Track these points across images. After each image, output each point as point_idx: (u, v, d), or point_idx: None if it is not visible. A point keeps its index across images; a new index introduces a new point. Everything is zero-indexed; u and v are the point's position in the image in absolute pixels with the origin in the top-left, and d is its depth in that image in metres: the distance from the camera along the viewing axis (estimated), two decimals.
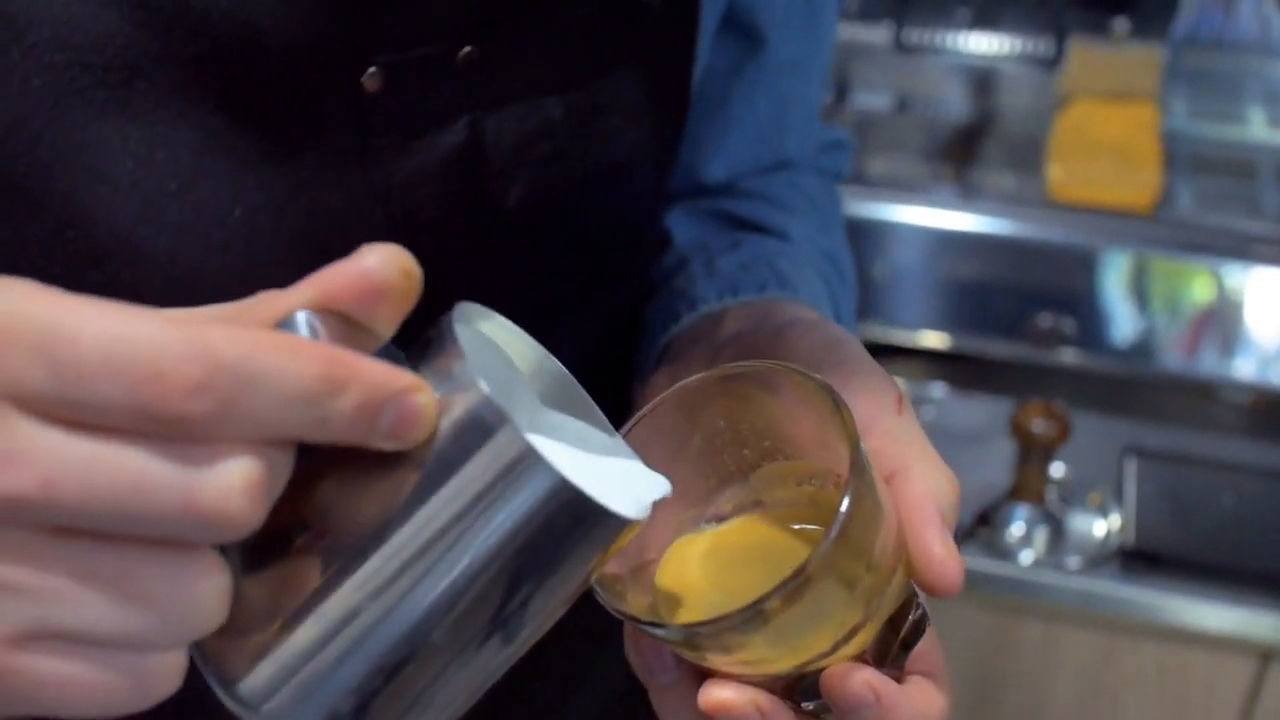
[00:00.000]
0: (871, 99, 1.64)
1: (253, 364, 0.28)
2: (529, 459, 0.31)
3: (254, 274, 0.44)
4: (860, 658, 0.39)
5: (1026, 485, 1.29)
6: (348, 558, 0.32)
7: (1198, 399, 1.50)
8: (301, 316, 0.31)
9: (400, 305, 0.32)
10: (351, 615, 0.32)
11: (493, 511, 0.32)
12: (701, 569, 0.41)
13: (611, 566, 0.39)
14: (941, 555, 0.38)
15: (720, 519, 0.43)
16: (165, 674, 0.30)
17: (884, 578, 0.38)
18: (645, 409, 0.41)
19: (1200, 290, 1.33)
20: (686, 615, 0.40)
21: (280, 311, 0.31)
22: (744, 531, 0.43)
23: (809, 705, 0.40)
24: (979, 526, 1.31)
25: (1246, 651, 1.28)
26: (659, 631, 0.37)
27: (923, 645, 0.40)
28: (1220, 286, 1.33)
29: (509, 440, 0.31)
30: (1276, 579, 1.26)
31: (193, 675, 0.32)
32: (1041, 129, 1.54)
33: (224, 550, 0.31)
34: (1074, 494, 1.35)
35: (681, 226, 0.64)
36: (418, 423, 0.31)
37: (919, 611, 0.40)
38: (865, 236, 1.36)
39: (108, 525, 0.28)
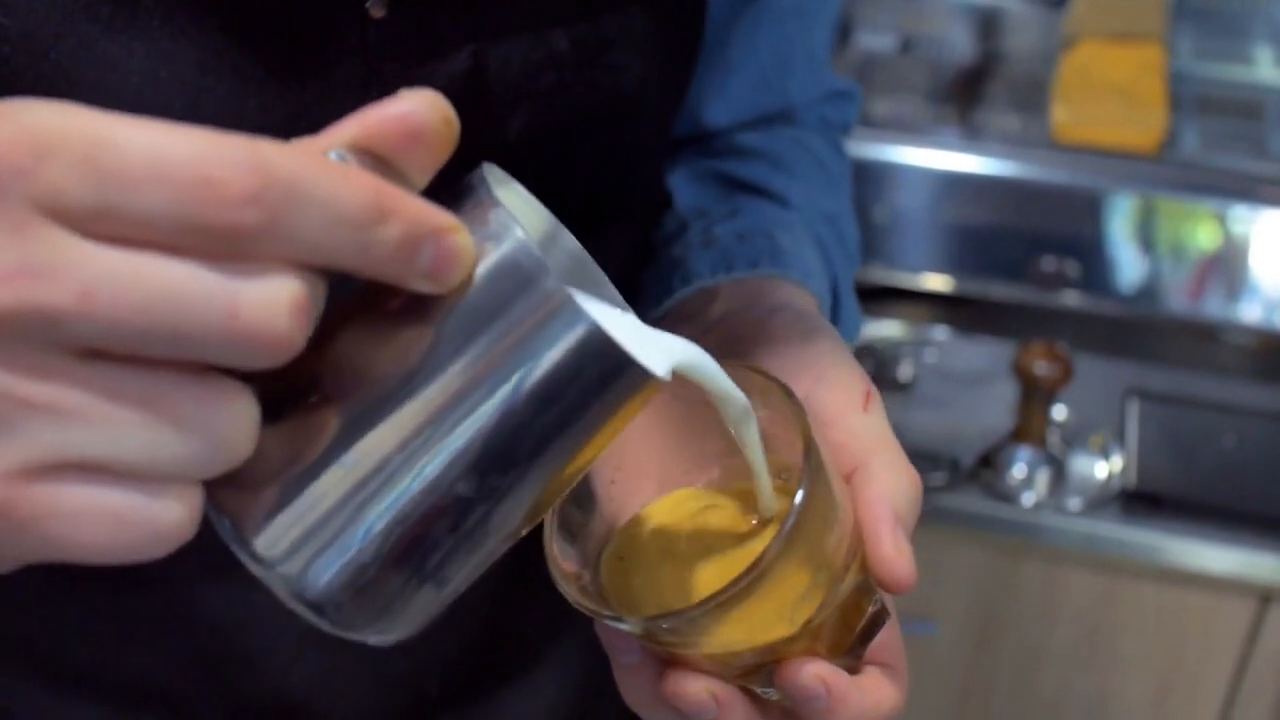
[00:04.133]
0: (875, 39, 1.63)
1: (304, 180, 0.27)
2: (567, 307, 0.31)
3: None
4: (815, 648, 0.40)
5: (1028, 427, 1.30)
6: (371, 407, 0.31)
7: (1201, 341, 1.50)
8: (336, 155, 0.30)
9: (437, 153, 0.31)
10: (375, 465, 0.31)
11: (525, 358, 0.31)
12: (655, 542, 0.43)
13: (569, 564, 0.40)
14: (892, 555, 0.40)
15: None
16: (182, 515, 0.29)
17: (838, 573, 0.39)
18: None
19: (1205, 232, 1.33)
20: (639, 589, 0.41)
21: (318, 149, 0.30)
22: (704, 509, 0.44)
23: (766, 692, 0.41)
24: (980, 468, 1.31)
25: (1246, 593, 1.28)
26: (619, 625, 0.38)
27: (883, 637, 0.42)
28: (1225, 228, 1.32)
29: (546, 287, 0.31)
30: (1277, 521, 1.26)
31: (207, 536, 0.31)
32: (1046, 70, 1.53)
33: None
34: (1076, 436, 1.35)
35: (683, 189, 0.64)
36: (456, 263, 0.30)
37: (877, 605, 0.41)
38: (868, 178, 1.35)
39: (145, 344, 0.27)
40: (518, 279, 0.31)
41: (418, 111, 0.30)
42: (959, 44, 1.62)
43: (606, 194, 0.55)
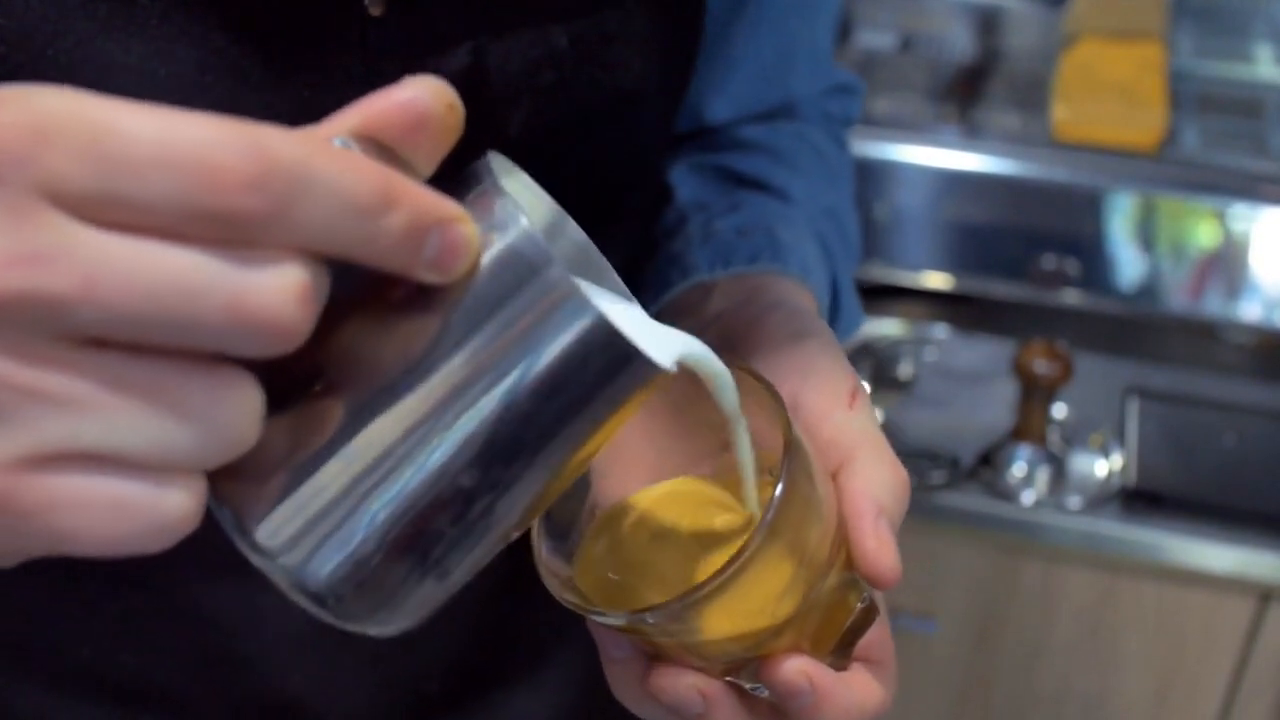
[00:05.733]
0: (875, 37, 1.63)
1: (309, 167, 0.27)
2: (572, 297, 0.31)
3: None
4: (801, 644, 0.40)
5: (1028, 426, 1.30)
6: (374, 398, 0.31)
7: (1201, 340, 1.50)
8: (340, 142, 0.30)
9: (442, 139, 0.31)
10: (378, 456, 0.31)
11: (529, 349, 0.31)
12: (637, 534, 0.43)
13: (557, 561, 0.40)
14: (875, 548, 0.40)
15: None
16: (186, 505, 0.29)
17: (821, 568, 0.39)
18: None
19: (1205, 231, 1.33)
20: (622, 581, 0.41)
21: (322, 137, 0.30)
22: (685, 500, 0.44)
23: (756, 689, 0.41)
24: (980, 467, 1.31)
25: (1246, 591, 1.28)
26: (603, 619, 0.38)
27: (872, 634, 0.41)
28: (1225, 227, 1.32)
29: (551, 277, 0.31)
30: (1276, 519, 1.26)
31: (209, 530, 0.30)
32: (1047, 68, 1.53)
33: None
34: (1076, 434, 1.35)
35: (684, 183, 0.64)
36: (462, 253, 0.30)
37: (865, 602, 0.40)
38: (868, 176, 1.35)
39: (148, 332, 0.27)
40: (522, 269, 0.31)
41: (421, 98, 0.30)
42: (959, 42, 1.62)
43: (607, 191, 0.55)
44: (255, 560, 0.31)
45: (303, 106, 0.43)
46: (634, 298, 0.39)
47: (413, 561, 0.32)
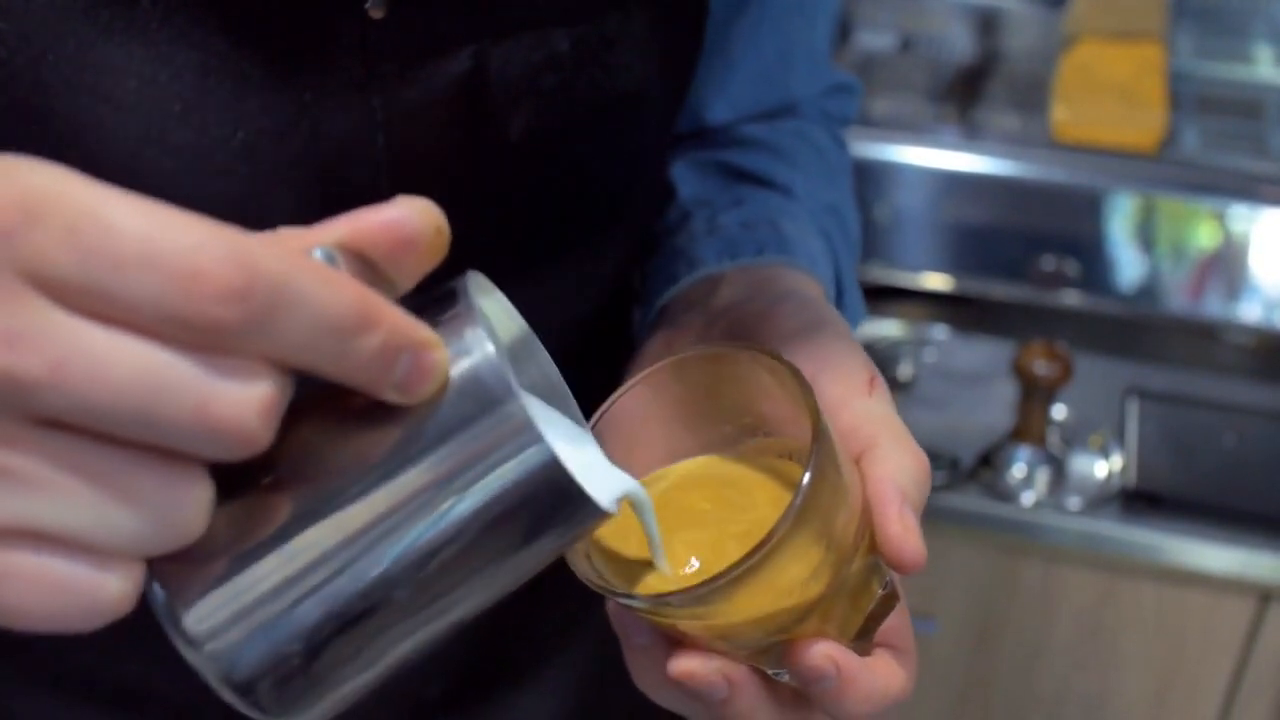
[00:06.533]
0: (875, 38, 1.63)
1: (292, 282, 0.27)
2: (527, 433, 0.32)
3: (255, 199, 0.44)
4: (824, 629, 0.40)
5: (1028, 426, 1.30)
6: (321, 500, 0.31)
7: (1201, 340, 1.50)
8: (323, 253, 0.30)
9: (426, 260, 0.31)
10: (316, 557, 0.31)
11: (479, 478, 0.32)
12: (657, 511, 0.42)
13: (582, 545, 0.40)
14: (900, 533, 0.40)
15: None
16: (124, 590, 0.29)
17: (846, 553, 0.39)
18: (636, 378, 0.42)
19: (1205, 232, 1.33)
20: (642, 564, 0.41)
21: (305, 245, 0.30)
22: (707, 482, 0.44)
23: (778, 674, 0.41)
24: (980, 468, 1.31)
25: (1245, 592, 1.28)
26: (629, 601, 0.38)
27: (893, 621, 0.42)
28: (1225, 228, 1.32)
29: (510, 410, 0.32)
30: (1276, 520, 1.26)
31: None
32: (1046, 69, 1.53)
33: None
34: (1075, 435, 1.35)
35: (685, 180, 0.64)
36: (429, 379, 0.31)
37: (887, 588, 0.41)
38: (868, 177, 1.35)
39: (112, 424, 0.27)
40: (483, 397, 0.32)
41: (409, 220, 0.31)
42: (959, 43, 1.62)
43: (608, 194, 0.55)
44: (181, 648, 0.32)
45: (304, 109, 0.44)
46: (587, 428, 0.41)
47: (340, 663, 0.33)
